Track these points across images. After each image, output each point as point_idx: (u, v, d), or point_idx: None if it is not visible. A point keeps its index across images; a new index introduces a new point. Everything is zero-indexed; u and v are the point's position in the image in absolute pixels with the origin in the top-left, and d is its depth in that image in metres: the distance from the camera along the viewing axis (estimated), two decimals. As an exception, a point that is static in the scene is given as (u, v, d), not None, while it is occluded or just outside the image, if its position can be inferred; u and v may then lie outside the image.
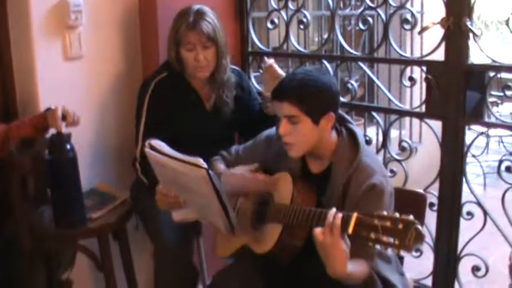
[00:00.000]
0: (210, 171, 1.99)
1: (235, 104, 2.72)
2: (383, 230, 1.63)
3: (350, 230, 1.71)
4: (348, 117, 2.21)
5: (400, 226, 1.61)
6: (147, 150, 2.14)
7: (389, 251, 1.63)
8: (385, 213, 1.67)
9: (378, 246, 1.64)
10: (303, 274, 2.10)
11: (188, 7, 2.57)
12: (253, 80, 3.26)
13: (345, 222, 1.73)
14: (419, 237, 1.59)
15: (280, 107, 2.03)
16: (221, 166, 2.39)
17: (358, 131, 2.14)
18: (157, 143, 2.15)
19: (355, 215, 1.72)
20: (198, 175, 1.99)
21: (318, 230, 1.76)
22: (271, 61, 2.66)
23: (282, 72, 2.62)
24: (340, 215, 1.75)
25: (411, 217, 1.62)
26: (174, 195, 2.21)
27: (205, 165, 1.98)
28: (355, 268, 1.85)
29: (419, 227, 1.59)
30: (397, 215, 1.64)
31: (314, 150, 2.09)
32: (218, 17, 2.61)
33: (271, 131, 2.30)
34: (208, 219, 2.24)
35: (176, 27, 2.56)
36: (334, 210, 1.79)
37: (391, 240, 1.61)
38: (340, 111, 2.15)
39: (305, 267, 2.08)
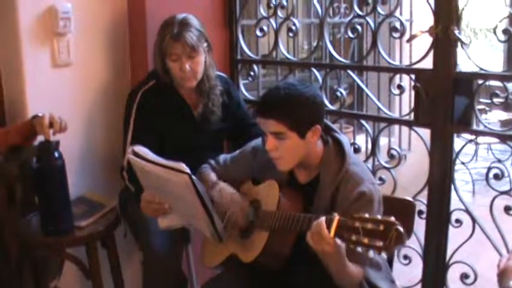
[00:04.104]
0: (193, 177, 1.98)
1: (223, 112, 2.72)
2: (364, 231, 1.63)
3: (332, 232, 1.71)
4: (333, 126, 2.21)
5: (381, 227, 1.61)
6: (131, 156, 2.13)
7: (371, 253, 1.63)
8: (366, 215, 1.67)
9: (359, 249, 1.65)
10: (291, 284, 2.09)
11: (172, 17, 2.56)
12: (241, 87, 3.26)
13: (327, 224, 1.73)
14: (400, 238, 1.59)
15: (266, 123, 2.02)
16: (212, 175, 2.37)
17: (344, 139, 2.14)
18: (140, 149, 2.15)
19: (336, 217, 1.72)
20: (180, 180, 1.98)
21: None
22: None
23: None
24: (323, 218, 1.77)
25: (392, 218, 1.62)
26: (159, 202, 2.20)
27: (187, 170, 1.97)
28: (352, 268, 1.87)
29: (399, 227, 1.59)
30: (378, 216, 1.64)
31: (301, 161, 2.08)
32: (203, 25, 2.60)
33: (258, 141, 2.28)
34: (195, 226, 2.24)
35: (161, 38, 2.54)
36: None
37: (372, 241, 1.62)
38: (326, 121, 2.15)
39: (293, 277, 2.08)
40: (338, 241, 1.72)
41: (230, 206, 2.22)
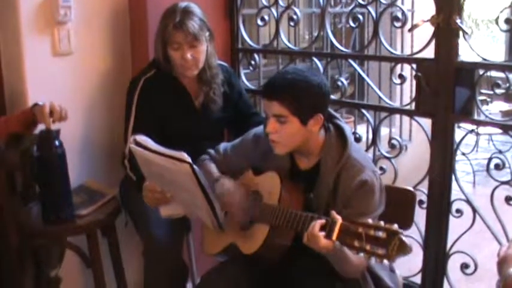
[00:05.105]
0: (195, 166, 1.98)
1: (223, 101, 2.71)
2: (367, 238, 1.63)
3: (334, 236, 1.71)
4: (336, 114, 2.21)
5: (384, 235, 1.61)
6: (132, 146, 2.14)
7: (373, 260, 1.63)
8: (370, 221, 1.67)
9: (361, 254, 1.65)
10: (291, 276, 2.09)
11: (174, 5, 2.55)
12: (242, 77, 3.26)
13: (330, 228, 1.73)
14: (403, 248, 1.59)
15: (270, 105, 2.03)
16: (213, 169, 2.36)
17: (346, 126, 2.14)
18: (142, 138, 2.15)
19: (339, 221, 1.72)
20: (182, 169, 1.98)
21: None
22: None
23: None
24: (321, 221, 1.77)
25: (395, 226, 1.62)
26: (161, 191, 2.20)
27: (189, 159, 1.97)
28: (355, 257, 1.86)
29: (403, 237, 1.59)
30: (382, 223, 1.64)
31: (302, 148, 2.09)
32: (205, 14, 2.59)
33: (259, 129, 2.29)
34: (196, 215, 2.24)
35: (163, 26, 2.53)
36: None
37: (375, 249, 1.61)
38: (328, 108, 2.15)
39: (293, 268, 2.08)
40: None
41: (231, 205, 2.22)
